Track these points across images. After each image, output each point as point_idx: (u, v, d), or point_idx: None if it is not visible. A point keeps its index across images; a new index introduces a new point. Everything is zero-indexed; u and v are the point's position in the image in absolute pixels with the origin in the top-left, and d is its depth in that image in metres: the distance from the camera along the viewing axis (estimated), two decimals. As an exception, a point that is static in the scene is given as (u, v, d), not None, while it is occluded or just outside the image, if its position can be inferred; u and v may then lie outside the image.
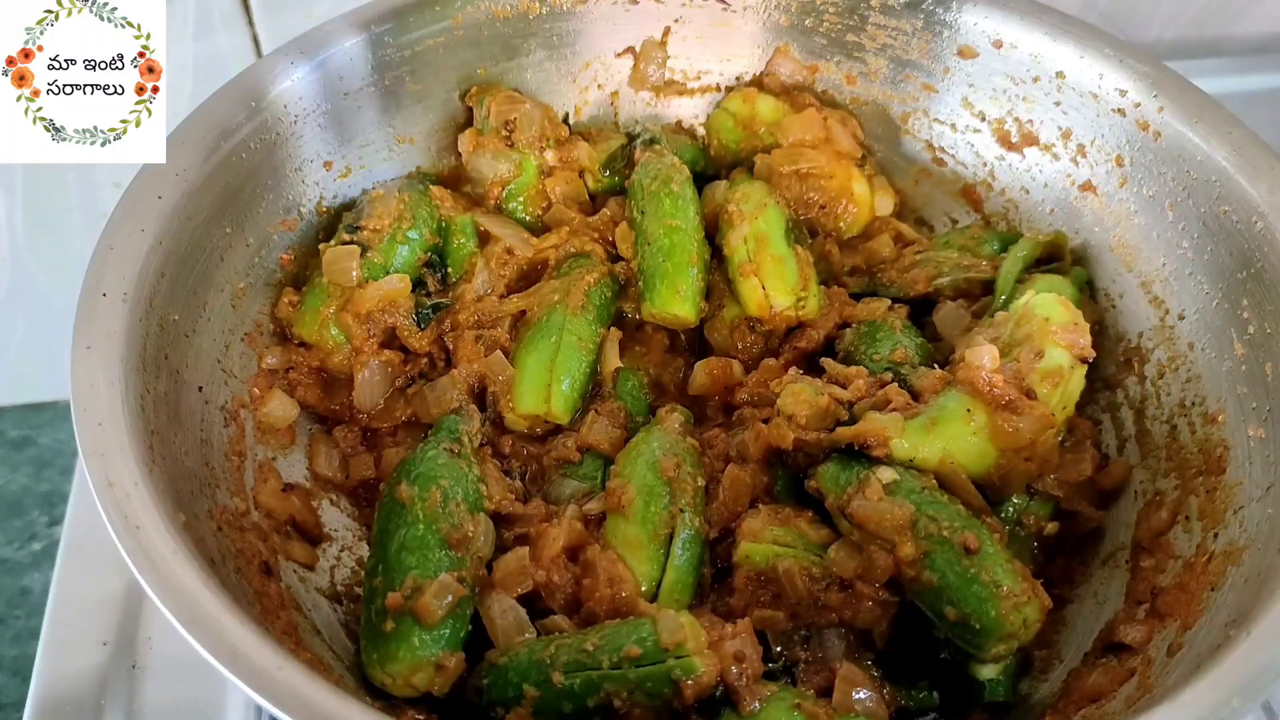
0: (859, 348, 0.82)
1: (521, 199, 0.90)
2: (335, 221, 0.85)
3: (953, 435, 0.71)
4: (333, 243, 0.82)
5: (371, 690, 0.68)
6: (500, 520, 0.74)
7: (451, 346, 0.83)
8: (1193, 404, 0.77)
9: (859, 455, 0.72)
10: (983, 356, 0.72)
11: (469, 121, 0.92)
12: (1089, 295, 0.85)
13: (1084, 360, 0.73)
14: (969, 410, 0.71)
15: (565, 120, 0.95)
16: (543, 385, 0.80)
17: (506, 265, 0.86)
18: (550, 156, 0.90)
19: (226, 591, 0.57)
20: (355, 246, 0.81)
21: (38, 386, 1.21)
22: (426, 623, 0.66)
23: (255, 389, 0.78)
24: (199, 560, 0.58)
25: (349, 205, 0.87)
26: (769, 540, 0.72)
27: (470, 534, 0.71)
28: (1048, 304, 0.75)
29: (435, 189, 0.87)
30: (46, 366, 1.18)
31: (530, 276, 0.88)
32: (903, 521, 0.67)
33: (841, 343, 0.84)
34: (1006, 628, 0.65)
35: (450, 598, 0.67)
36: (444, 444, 0.76)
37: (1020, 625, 0.65)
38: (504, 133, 0.89)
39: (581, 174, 0.92)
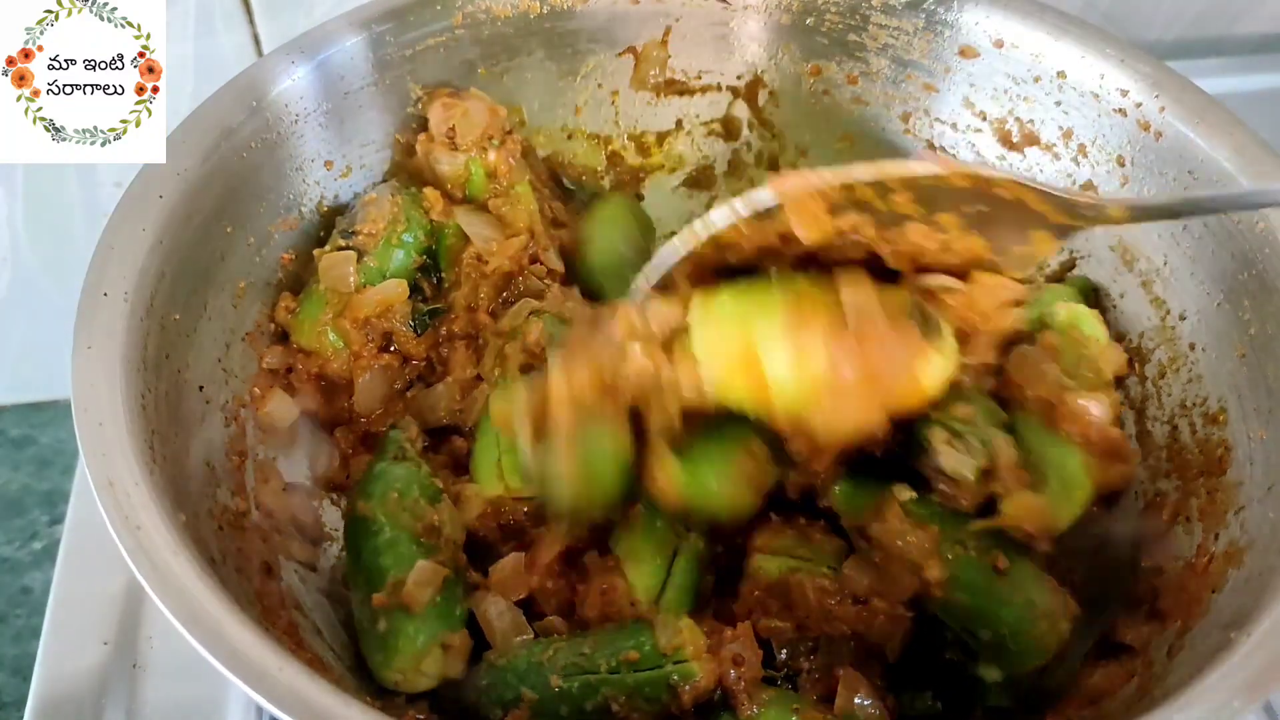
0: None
1: (484, 196, 0.89)
2: (335, 222, 0.85)
3: (1066, 494, 0.70)
4: (328, 248, 0.82)
5: (373, 690, 0.68)
6: (503, 528, 0.74)
7: (446, 353, 0.84)
8: (1193, 404, 0.77)
9: (872, 470, 0.71)
10: (1092, 409, 0.70)
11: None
12: (1093, 301, 0.85)
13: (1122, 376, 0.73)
14: (1085, 465, 0.70)
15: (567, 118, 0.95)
16: (493, 464, 0.77)
17: (483, 277, 0.86)
18: (493, 157, 0.88)
19: (227, 591, 0.57)
20: (352, 252, 0.81)
21: (38, 386, 1.21)
22: (415, 610, 0.66)
23: (256, 389, 0.78)
24: (199, 560, 0.58)
25: (348, 205, 0.87)
26: (783, 553, 0.71)
27: (436, 521, 0.71)
28: (1086, 321, 0.74)
29: (428, 190, 0.87)
30: (47, 366, 1.17)
31: (513, 288, 0.87)
32: (929, 547, 0.67)
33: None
34: (1046, 645, 0.64)
35: (432, 582, 0.67)
36: (389, 456, 0.77)
37: (1056, 641, 0.65)
38: (447, 138, 0.87)
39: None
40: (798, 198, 0.66)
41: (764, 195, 0.67)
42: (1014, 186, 0.67)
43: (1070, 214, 0.68)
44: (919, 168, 0.66)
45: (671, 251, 0.69)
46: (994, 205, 0.68)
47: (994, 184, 0.67)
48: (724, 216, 0.68)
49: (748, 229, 0.67)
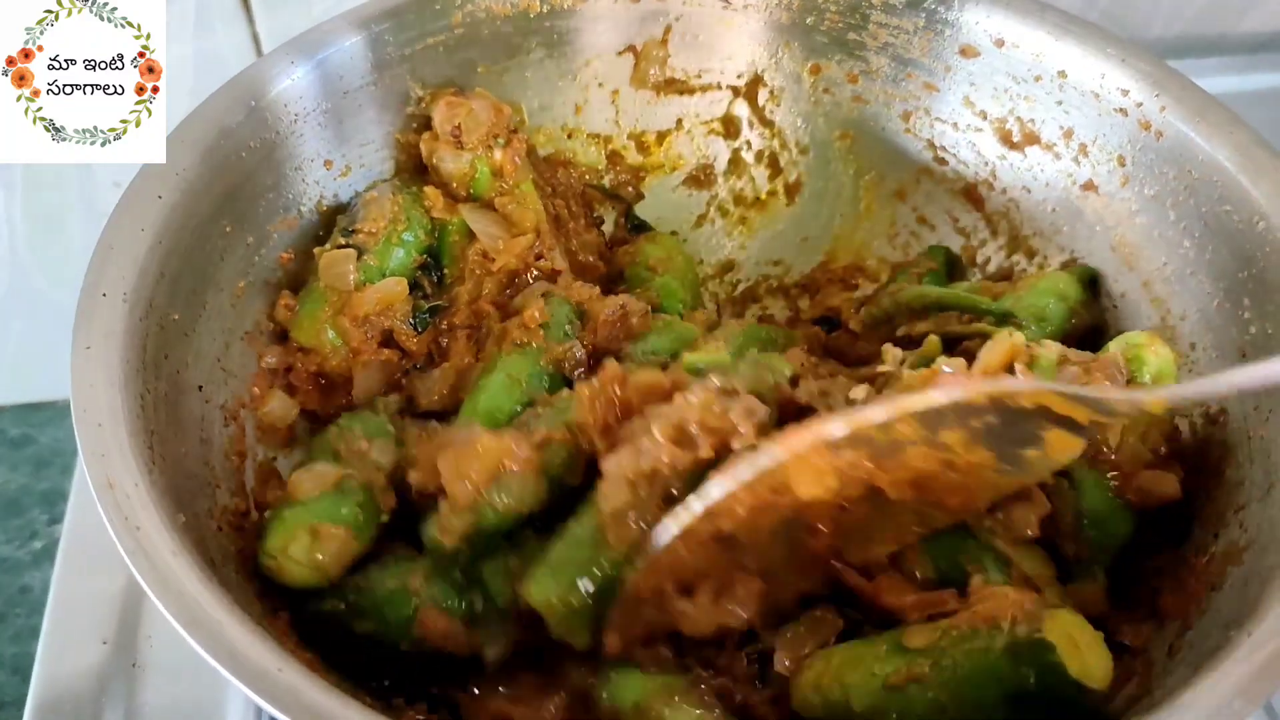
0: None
1: (490, 195, 0.88)
2: (335, 220, 0.85)
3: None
4: (328, 246, 0.82)
5: (373, 691, 0.68)
6: None
7: (445, 343, 0.84)
8: (1194, 404, 0.76)
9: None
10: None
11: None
12: (1093, 293, 0.85)
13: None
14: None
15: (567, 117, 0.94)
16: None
17: (489, 274, 0.86)
18: (499, 155, 0.88)
19: (227, 592, 0.57)
20: (352, 250, 0.81)
21: (37, 386, 1.21)
22: (296, 498, 0.68)
23: (255, 388, 0.78)
24: (199, 561, 0.58)
25: (349, 204, 0.87)
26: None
27: (363, 449, 0.73)
28: (1170, 374, 0.74)
29: (429, 189, 0.86)
30: (46, 365, 1.17)
31: (517, 285, 0.87)
32: None
33: None
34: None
35: (321, 479, 0.69)
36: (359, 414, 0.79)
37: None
38: (451, 137, 0.87)
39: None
40: (806, 454, 0.60)
41: (770, 455, 0.61)
42: (1042, 396, 0.62)
43: (1103, 412, 0.64)
44: (941, 397, 0.61)
45: (664, 532, 0.63)
46: (1006, 415, 0.62)
47: (1016, 397, 0.62)
48: (723, 487, 0.61)
49: (745, 493, 0.61)
